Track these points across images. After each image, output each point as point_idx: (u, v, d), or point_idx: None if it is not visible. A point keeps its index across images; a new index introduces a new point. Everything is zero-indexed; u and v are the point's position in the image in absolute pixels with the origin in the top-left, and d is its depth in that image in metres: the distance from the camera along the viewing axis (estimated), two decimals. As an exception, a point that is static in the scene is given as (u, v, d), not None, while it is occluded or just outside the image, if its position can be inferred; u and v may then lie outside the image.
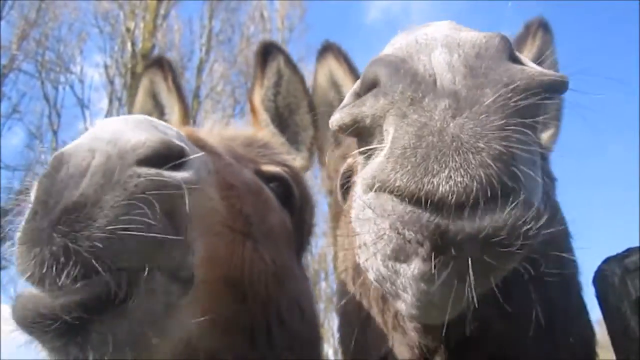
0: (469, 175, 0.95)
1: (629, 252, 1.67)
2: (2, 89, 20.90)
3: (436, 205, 0.97)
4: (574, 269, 1.70)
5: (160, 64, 2.65)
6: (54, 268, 1.03)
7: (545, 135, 2.31)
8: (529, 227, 0.98)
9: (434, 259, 1.01)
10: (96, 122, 1.23)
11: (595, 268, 1.76)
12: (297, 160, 2.50)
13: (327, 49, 2.59)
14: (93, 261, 1.03)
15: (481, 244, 0.98)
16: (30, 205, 1.12)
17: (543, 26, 2.24)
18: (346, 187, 1.91)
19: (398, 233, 1.02)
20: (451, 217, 0.97)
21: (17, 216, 1.18)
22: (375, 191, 1.06)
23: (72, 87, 23.37)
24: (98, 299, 1.05)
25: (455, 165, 0.95)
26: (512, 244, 0.98)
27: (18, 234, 1.10)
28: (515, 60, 1.07)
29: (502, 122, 0.97)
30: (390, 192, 1.02)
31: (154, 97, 2.65)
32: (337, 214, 2.27)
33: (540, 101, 1.00)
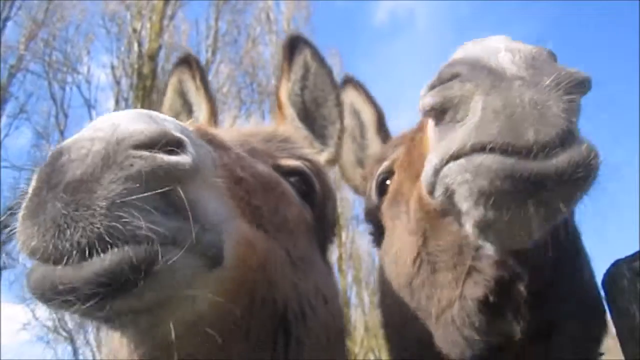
0: (546, 123, 1.30)
1: (637, 255, 1.70)
2: (10, 89, 21.05)
3: (526, 150, 1.29)
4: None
5: (187, 62, 2.67)
6: (56, 235, 1.06)
7: None
8: (592, 162, 1.32)
9: (531, 203, 1.33)
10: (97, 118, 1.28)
11: (604, 271, 1.79)
12: (322, 154, 2.46)
13: (348, 82, 3.15)
14: (93, 225, 1.06)
15: (564, 181, 1.30)
16: (31, 188, 1.14)
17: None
18: (382, 186, 2.33)
19: (497, 186, 1.33)
20: (539, 159, 1.29)
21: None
22: (466, 155, 1.37)
23: (79, 87, 23.53)
24: (114, 273, 1.06)
25: (535, 117, 1.30)
26: (586, 176, 1.32)
27: (21, 213, 1.12)
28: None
29: (559, 92, 1.33)
30: (483, 149, 1.33)
31: (183, 96, 2.68)
32: (372, 210, 2.44)
33: (579, 91, 1.36)
